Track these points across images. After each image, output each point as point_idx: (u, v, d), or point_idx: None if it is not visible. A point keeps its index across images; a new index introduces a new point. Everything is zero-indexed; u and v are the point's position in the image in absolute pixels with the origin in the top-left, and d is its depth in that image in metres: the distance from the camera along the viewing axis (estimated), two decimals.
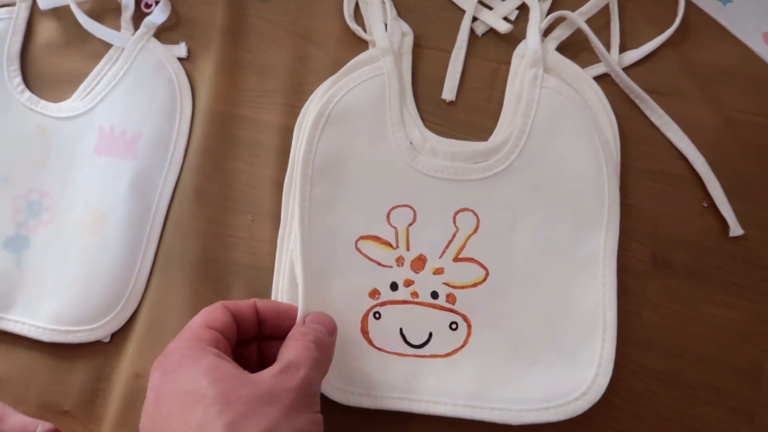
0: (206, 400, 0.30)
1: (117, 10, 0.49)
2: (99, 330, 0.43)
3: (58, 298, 0.44)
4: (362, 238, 0.42)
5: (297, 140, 0.45)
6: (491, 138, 0.45)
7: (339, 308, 0.41)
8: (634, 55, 0.46)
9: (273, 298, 0.42)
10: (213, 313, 0.36)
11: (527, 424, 0.39)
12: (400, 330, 0.41)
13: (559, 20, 0.46)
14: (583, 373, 0.40)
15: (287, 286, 0.41)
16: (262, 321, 0.38)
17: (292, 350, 0.34)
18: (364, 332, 0.41)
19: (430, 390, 0.40)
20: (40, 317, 0.44)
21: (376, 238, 0.42)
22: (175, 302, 0.44)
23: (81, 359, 0.44)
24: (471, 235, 0.42)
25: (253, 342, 0.38)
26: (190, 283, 0.44)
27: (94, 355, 0.44)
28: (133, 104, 0.47)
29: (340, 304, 0.41)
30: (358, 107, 0.44)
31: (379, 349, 0.41)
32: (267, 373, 0.32)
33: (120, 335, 0.44)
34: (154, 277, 0.45)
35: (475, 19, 0.47)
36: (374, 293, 0.42)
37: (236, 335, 0.37)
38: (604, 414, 0.41)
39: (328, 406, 0.38)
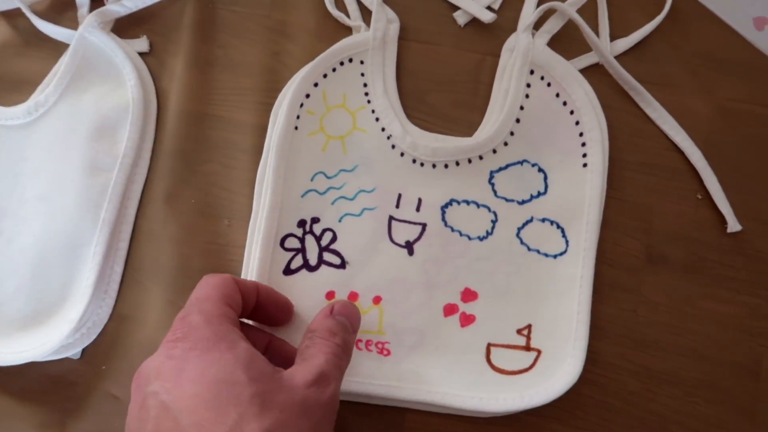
0: (243, 397, 0.29)
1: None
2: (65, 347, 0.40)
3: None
4: None
5: (271, 128, 0.43)
6: (476, 134, 0.43)
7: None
8: (623, 43, 0.44)
9: None
10: (226, 288, 0.34)
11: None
12: None
13: (549, 12, 0.44)
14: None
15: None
16: (258, 306, 0.37)
17: (322, 355, 0.33)
18: None
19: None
20: None
21: None
22: (150, 315, 0.42)
23: (48, 379, 0.41)
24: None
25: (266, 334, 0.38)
26: (165, 294, 0.42)
27: (63, 373, 0.41)
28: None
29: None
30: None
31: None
32: (299, 380, 0.31)
33: (91, 352, 0.42)
34: (125, 288, 0.42)
35: (456, 8, 0.45)
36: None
37: None
38: (604, 417, 0.40)
39: None
